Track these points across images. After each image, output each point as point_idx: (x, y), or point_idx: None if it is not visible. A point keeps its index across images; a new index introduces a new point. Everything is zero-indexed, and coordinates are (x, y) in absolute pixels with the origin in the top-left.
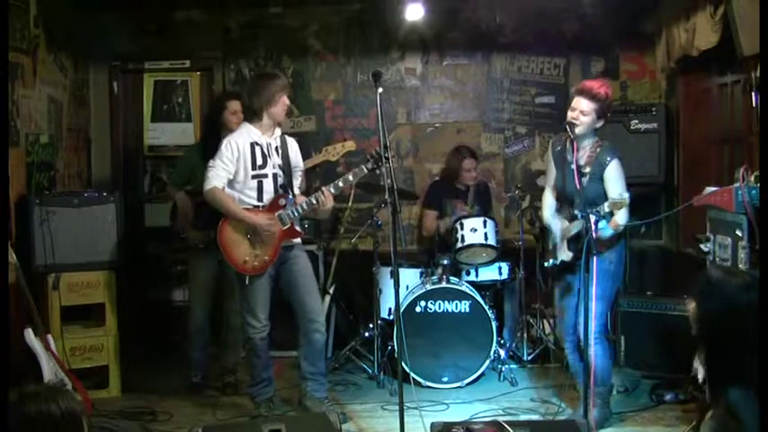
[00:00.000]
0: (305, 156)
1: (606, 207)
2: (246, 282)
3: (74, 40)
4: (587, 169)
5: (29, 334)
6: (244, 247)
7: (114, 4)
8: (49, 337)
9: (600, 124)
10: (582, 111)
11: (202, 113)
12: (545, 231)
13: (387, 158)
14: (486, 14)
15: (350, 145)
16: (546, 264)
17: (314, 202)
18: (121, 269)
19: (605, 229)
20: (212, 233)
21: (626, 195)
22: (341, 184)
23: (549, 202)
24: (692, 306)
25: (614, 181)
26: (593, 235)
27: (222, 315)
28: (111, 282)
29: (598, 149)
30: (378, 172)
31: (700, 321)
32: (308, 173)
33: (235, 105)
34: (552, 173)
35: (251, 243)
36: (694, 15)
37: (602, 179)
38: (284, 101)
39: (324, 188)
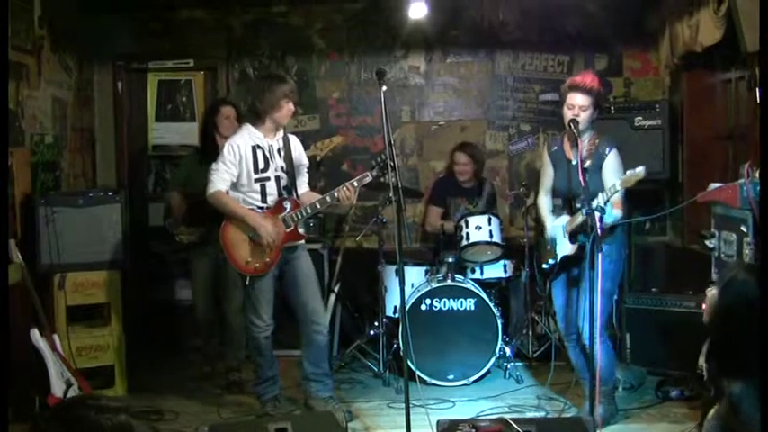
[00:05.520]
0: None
1: (618, 185)
2: (246, 282)
3: (78, 40)
4: (588, 162)
5: (35, 334)
6: (246, 248)
7: (118, 5)
8: (55, 336)
9: (595, 116)
10: (581, 107)
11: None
12: (542, 233)
13: (392, 166)
14: (490, 12)
15: (337, 140)
16: (545, 265)
17: (332, 197)
18: (126, 268)
19: (609, 215)
20: (203, 230)
21: (640, 169)
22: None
23: (543, 202)
24: (711, 293)
25: (613, 171)
26: (598, 232)
27: (222, 314)
28: (116, 281)
29: (597, 141)
30: (383, 180)
31: (716, 313)
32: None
33: (227, 111)
34: (549, 174)
35: (253, 244)
36: (698, 12)
37: (600, 170)
38: (289, 107)
39: (347, 184)
